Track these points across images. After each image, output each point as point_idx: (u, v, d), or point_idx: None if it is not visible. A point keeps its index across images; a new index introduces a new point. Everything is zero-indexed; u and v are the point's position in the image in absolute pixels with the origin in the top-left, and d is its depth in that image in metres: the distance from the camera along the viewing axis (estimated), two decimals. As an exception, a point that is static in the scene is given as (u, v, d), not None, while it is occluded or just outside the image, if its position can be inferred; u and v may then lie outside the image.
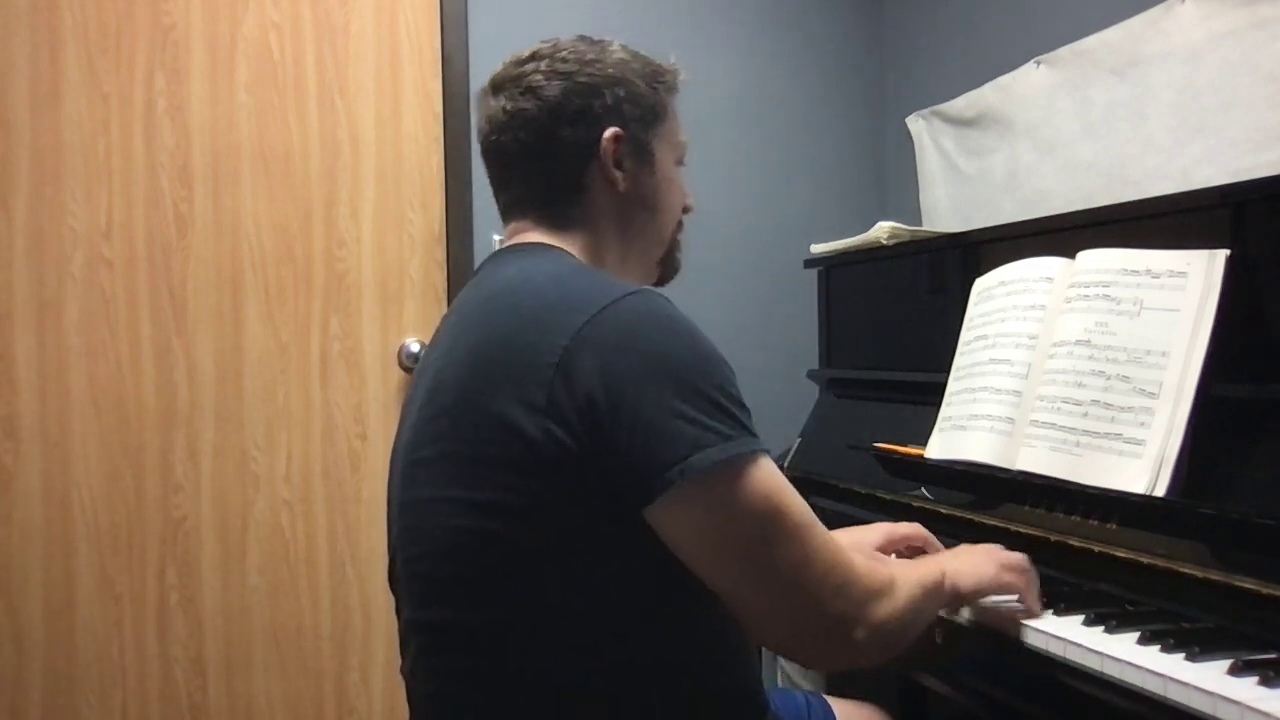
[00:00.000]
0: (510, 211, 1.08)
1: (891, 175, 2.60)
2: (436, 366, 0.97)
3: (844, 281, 2.02)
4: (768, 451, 0.89)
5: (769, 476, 0.87)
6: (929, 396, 1.52)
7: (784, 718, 1.07)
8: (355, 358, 2.16)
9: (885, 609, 0.90)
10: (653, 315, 0.89)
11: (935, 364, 1.55)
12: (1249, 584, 0.97)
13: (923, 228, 2.11)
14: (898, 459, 1.53)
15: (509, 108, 1.03)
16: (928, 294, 1.77)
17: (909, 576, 0.96)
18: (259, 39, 2.09)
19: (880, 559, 1.10)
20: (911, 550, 1.25)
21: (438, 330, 1.06)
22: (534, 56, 1.06)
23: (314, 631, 2.13)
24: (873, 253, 1.88)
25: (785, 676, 2.29)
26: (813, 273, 2.09)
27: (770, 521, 0.86)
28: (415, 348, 2.17)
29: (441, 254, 2.23)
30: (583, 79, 1.03)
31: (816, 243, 2.04)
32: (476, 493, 0.88)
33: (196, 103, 2.05)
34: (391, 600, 1.05)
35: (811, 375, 2.07)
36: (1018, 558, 1.10)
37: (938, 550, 1.22)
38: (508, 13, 2.27)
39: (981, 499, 1.37)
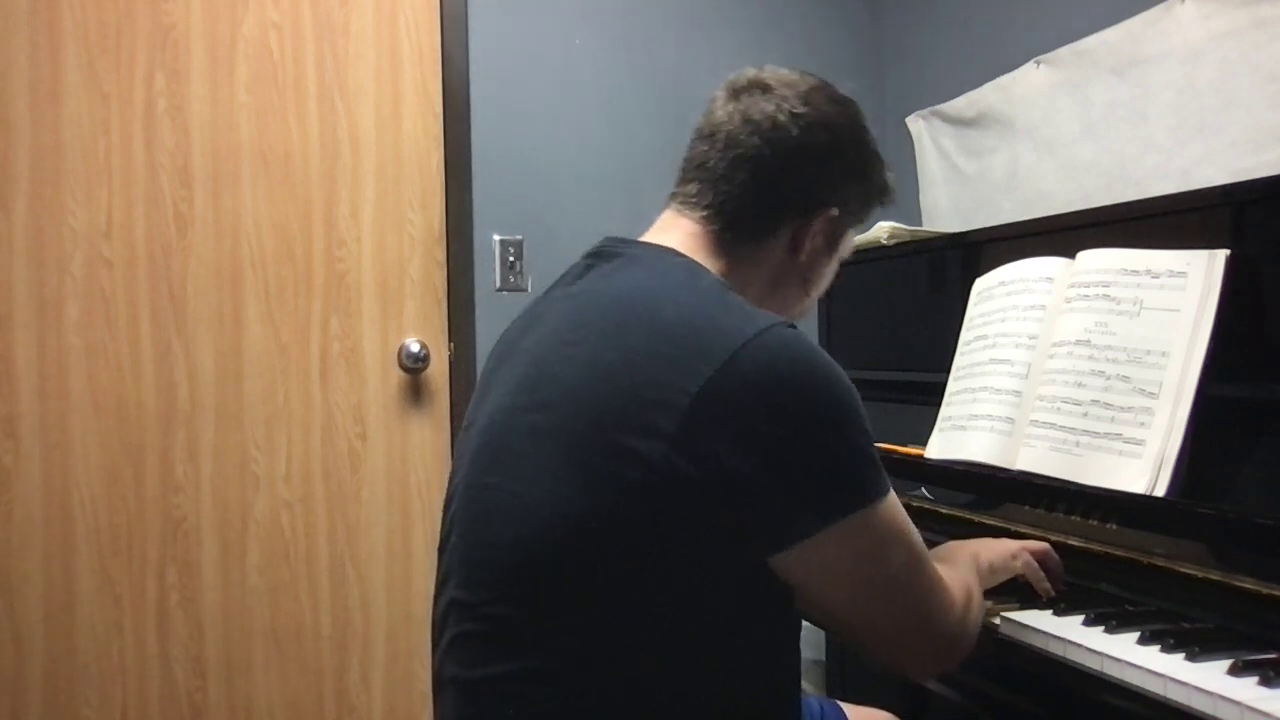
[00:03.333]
0: (686, 201, 1.02)
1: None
2: (541, 354, 0.93)
3: (844, 281, 2.01)
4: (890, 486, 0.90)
5: (899, 513, 0.89)
6: (929, 396, 1.52)
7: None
8: (355, 358, 2.16)
9: (975, 615, 0.96)
10: (797, 352, 0.85)
11: (935, 364, 1.55)
12: (1249, 584, 0.97)
13: (923, 228, 2.10)
14: (898, 459, 1.53)
15: (766, 112, 0.99)
16: (928, 294, 1.77)
17: (970, 575, 1.01)
18: (259, 39, 2.09)
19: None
20: None
21: (535, 306, 1.02)
22: (820, 86, 1.03)
23: (314, 631, 2.13)
24: (873, 253, 1.87)
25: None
26: (813, 273, 2.08)
27: (904, 558, 0.89)
28: (415, 348, 2.17)
29: (441, 254, 2.23)
30: (848, 150, 1.03)
31: (816, 243, 2.03)
32: (577, 494, 0.84)
33: (196, 103, 2.05)
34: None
35: (811, 375, 2.06)
36: (1034, 544, 1.14)
37: None
38: (508, 13, 2.27)
39: (981, 499, 1.37)
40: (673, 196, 1.04)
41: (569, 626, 0.86)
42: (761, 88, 1.00)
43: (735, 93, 1.02)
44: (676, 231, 1.00)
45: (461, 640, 0.94)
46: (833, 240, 1.05)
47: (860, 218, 1.09)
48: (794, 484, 0.83)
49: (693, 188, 1.01)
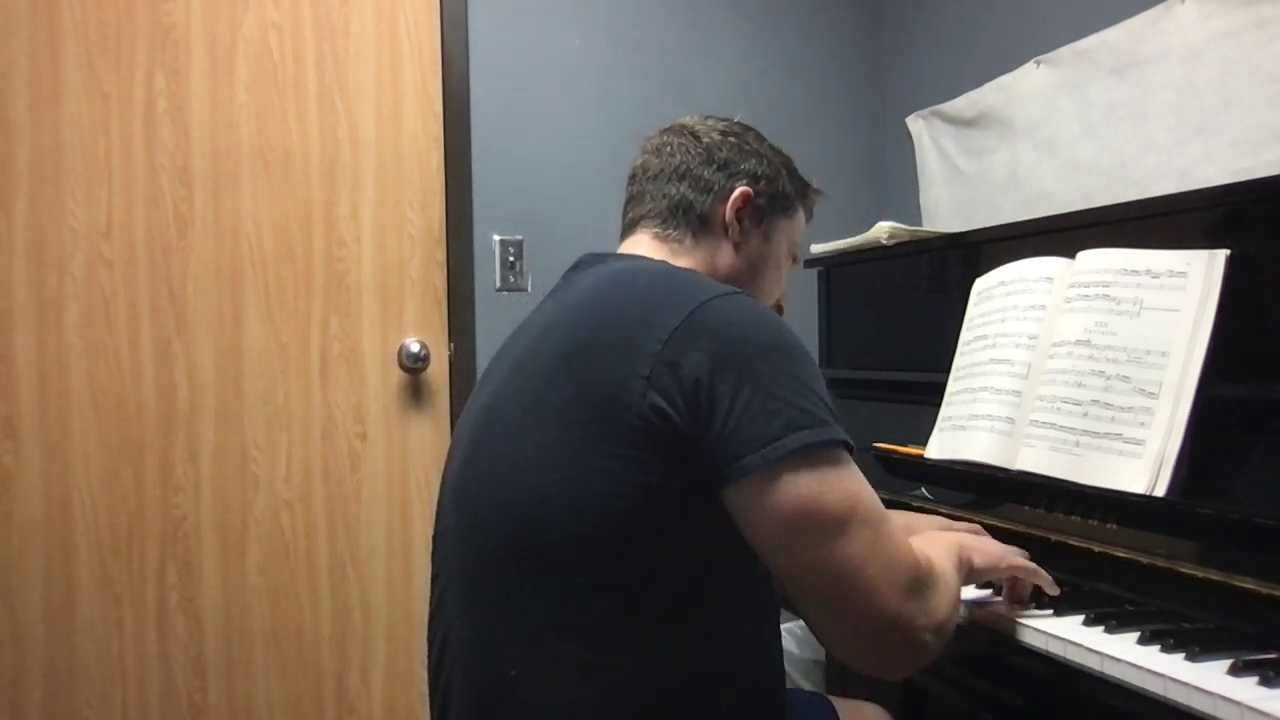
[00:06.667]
0: (632, 226, 1.16)
1: (891, 175, 2.60)
2: (532, 338, 1.02)
3: (844, 281, 2.02)
4: (852, 447, 0.91)
5: (852, 467, 0.91)
6: (929, 396, 1.52)
7: (789, 718, 1.07)
8: (355, 358, 2.16)
9: (946, 603, 0.92)
10: (759, 311, 0.95)
11: (935, 364, 1.55)
12: (1249, 584, 0.97)
13: (923, 228, 2.10)
14: (898, 459, 1.53)
15: (670, 140, 1.17)
16: (928, 294, 1.77)
17: (947, 561, 0.98)
18: (259, 39, 2.09)
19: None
20: None
21: (530, 316, 1.11)
22: (708, 116, 1.20)
23: (314, 631, 2.13)
24: (873, 253, 1.88)
25: (787, 677, 2.29)
26: (813, 273, 2.09)
27: (848, 509, 0.87)
28: (415, 348, 2.17)
29: (441, 254, 2.23)
30: (736, 141, 1.17)
31: (816, 243, 2.04)
32: (562, 453, 0.90)
33: (196, 103, 2.05)
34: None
35: (811, 375, 2.06)
36: (1016, 549, 1.13)
37: None
38: (508, 13, 2.28)
39: (981, 499, 1.37)
40: (624, 230, 1.18)
41: (559, 592, 0.91)
42: (675, 131, 1.18)
43: (653, 140, 1.19)
44: (637, 243, 1.14)
45: (460, 615, 0.99)
46: (761, 222, 1.16)
47: (784, 204, 1.19)
48: (751, 405, 0.87)
49: (636, 211, 1.17)
